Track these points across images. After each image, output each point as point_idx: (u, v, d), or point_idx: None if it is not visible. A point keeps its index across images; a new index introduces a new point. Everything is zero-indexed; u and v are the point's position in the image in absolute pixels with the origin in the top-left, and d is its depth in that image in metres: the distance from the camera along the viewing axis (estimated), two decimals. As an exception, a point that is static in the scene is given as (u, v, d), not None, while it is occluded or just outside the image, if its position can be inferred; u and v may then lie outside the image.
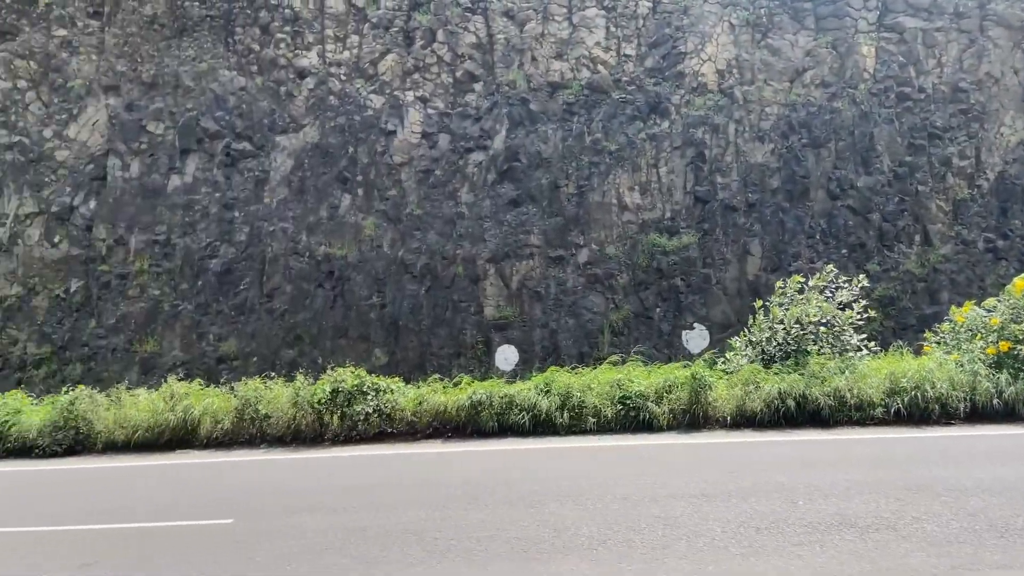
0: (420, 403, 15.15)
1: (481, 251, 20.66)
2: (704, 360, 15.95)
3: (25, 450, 14.59)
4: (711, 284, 20.05)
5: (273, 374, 17.00)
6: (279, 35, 22.44)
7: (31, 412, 15.35)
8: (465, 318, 20.21)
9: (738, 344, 16.00)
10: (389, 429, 14.88)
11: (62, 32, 22.35)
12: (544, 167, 21.30)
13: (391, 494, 9.90)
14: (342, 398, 14.89)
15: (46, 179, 21.36)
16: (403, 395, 15.41)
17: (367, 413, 14.77)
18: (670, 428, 13.66)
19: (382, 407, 14.94)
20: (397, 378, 16.46)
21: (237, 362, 19.70)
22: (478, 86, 22.23)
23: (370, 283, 20.57)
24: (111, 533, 8.77)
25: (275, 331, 20.03)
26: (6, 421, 14.80)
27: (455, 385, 16.23)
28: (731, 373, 15.24)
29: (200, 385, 16.21)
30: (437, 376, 17.29)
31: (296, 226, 21.00)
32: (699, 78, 21.91)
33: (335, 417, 14.86)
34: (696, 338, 18.60)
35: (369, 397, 14.99)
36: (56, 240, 20.91)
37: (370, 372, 16.05)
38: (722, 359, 16.45)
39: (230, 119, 21.87)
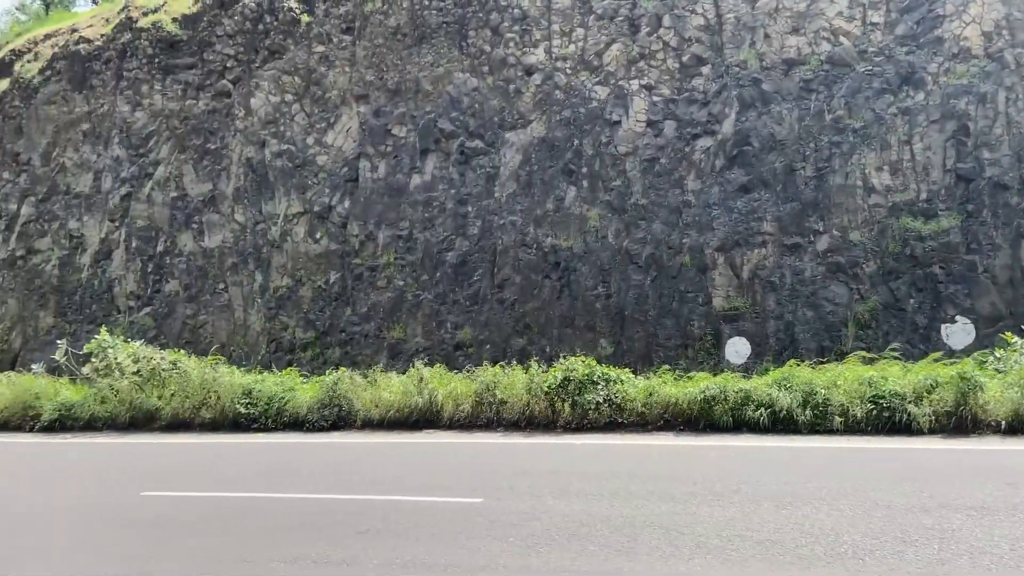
0: (650, 394, 15.09)
1: (709, 240, 20.03)
2: (971, 357, 14.33)
3: (298, 424, 16.48)
4: (977, 272, 17.85)
5: (507, 361, 17.76)
6: (508, 35, 23.25)
7: (302, 390, 17.33)
8: (692, 309, 19.72)
9: (1017, 340, 14.16)
10: (619, 419, 14.97)
11: (320, 48, 24.84)
12: (778, 150, 20.17)
13: (629, 484, 9.93)
14: (573, 387, 15.22)
15: (309, 182, 23.92)
16: (632, 386, 15.44)
17: (597, 402, 14.97)
18: (931, 432, 12.47)
19: (612, 397, 15.07)
20: (625, 368, 16.52)
21: (472, 349, 20.78)
22: (706, 69, 21.52)
23: (595, 274, 20.73)
24: (378, 504, 9.63)
25: (506, 320, 20.85)
26: (283, 397, 16.82)
27: (685, 377, 15.98)
28: (1004, 372, 13.59)
29: (441, 369, 17.37)
30: (666, 367, 17.10)
31: (524, 219, 21.68)
32: (961, 43, 19.54)
33: (566, 405, 15.22)
34: (958, 332, 16.70)
35: (599, 387, 15.19)
36: (318, 236, 23.36)
37: (597, 362, 16.24)
38: (992, 356, 14.68)
39: (464, 119, 23.06)
